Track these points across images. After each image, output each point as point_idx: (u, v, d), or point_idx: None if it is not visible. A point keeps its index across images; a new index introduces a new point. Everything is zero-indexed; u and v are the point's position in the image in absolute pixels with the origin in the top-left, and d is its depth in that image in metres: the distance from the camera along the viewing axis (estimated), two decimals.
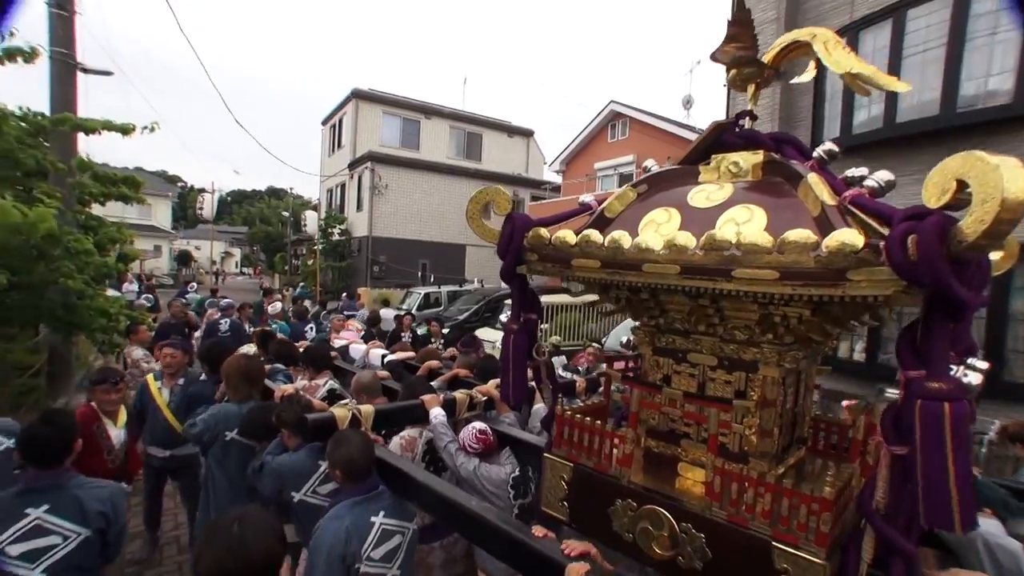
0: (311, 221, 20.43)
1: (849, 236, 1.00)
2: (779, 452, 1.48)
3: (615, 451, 1.56)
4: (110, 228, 7.26)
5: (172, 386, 3.90)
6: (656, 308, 1.62)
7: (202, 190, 22.81)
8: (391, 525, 2.04)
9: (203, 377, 3.76)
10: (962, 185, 0.88)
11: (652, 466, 1.65)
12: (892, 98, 6.54)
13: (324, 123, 25.62)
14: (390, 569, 1.97)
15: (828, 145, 1.39)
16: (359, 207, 21.71)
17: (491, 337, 10.34)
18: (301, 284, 21.56)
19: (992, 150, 0.85)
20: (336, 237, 22.24)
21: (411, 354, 4.43)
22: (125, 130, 5.81)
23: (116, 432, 3.40)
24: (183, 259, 36.64)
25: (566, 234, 1.51)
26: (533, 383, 1.93)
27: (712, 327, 1.51)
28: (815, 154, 1.39)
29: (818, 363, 1.68)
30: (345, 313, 10.34)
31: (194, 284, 17.63)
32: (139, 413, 3.91)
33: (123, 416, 3.51)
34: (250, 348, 5.11)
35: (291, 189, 32.26)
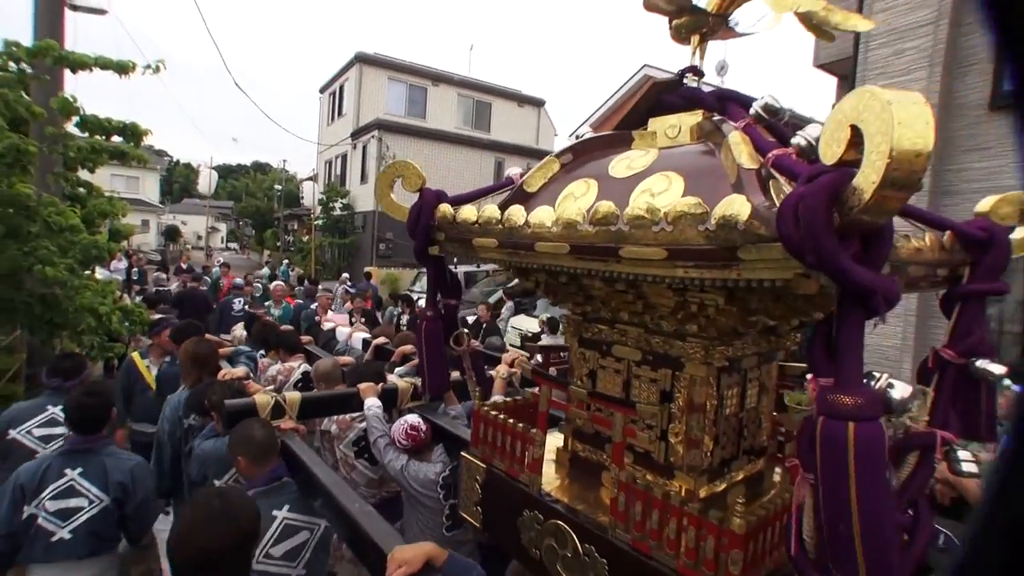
0: (308, 194, 20.46)
1: (734, 204, 0.88)
2: (717, 466, 1.38)
3: (526, 455, 1.48)
4: (101, 200, 6.21)
5: (160, 363, 4.15)
6: (580, 293, 1.52)
7: (188, 164, 23.03)
8: (296, 520, 2.00)
9: (169, 359, 4.00)
10: (858, 133, 0.76)
11: (579, 473, 1.57)
12: None
13: (323, 90, 25.53)
14: (293, 568, 1.94)
15: (767, 99, 1.26)
16: (363, 179, 21.69)
17: (524, 326, 9.87)
18: (285, 262, 21.61)
19: None
20: (337, 212, 22.34)
21: (385, 340, 4.41)
22: (123, 68, 5.10)
23: None
24: (171, 234, 37.42)
25: (468, 211, 1.42)
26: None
27: (637, 316, 1.41)
28: (752, 110, 1.26)
29: (779, 359, 1.56)
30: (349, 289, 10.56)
31: (220, 259, 17.80)
32: (124, 392, 4.13)
33: None
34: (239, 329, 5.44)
35: (284, 162, 32.36)
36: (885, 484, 0.82)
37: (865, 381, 0.85)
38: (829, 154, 0.80)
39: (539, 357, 3.82)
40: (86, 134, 5.61)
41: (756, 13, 1.51)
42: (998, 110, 6.23)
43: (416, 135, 21.26)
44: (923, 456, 1.20)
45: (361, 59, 21.76)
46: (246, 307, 7.43)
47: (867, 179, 0.72)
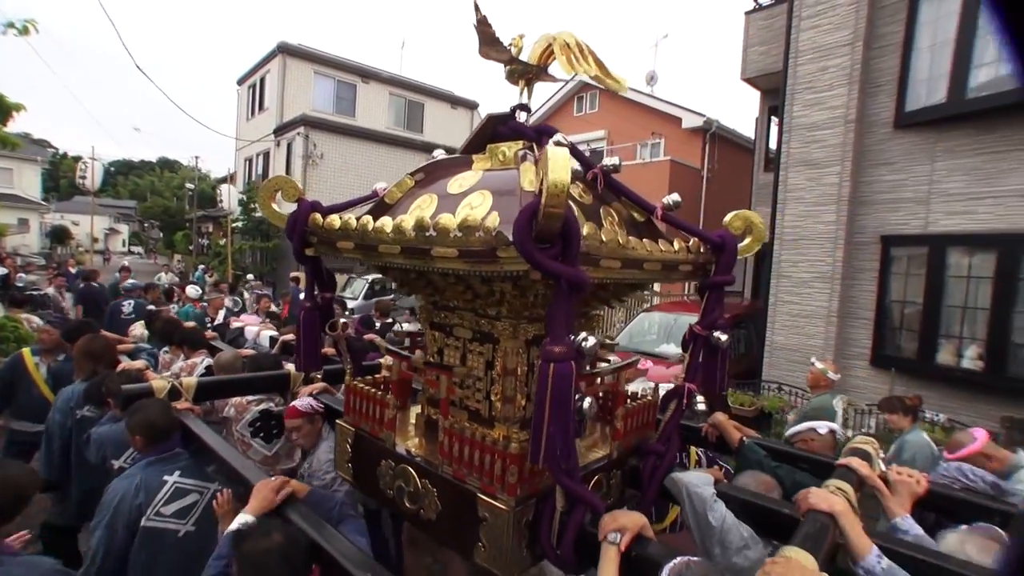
0: (228, 196, 19.92)
1: (492, 218, 1.34)
2: (529, 417, 1.84)
3: (383, 416, 1.90)
4: None
5: (50, 362, 4.27)
6: (428, 286, 1.95)
7: (78, 157, 21.63)
8: (186, 484, 2.33)
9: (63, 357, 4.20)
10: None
11: (430, 432, 2.01)
12: None
13: (241, 82, 24.87)
14: (183, 525, 2.28)
15: (558, 136, 1.74)
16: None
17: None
18: (201, 267, 21.16)
19: None
20: (260, 213, 21.86)
21: (293, 336, 4.74)
22: None
23: None
24: (58, 236, 35.16)
25: (333, 219, 1.82)
26: None
27: (469, 303, 1.86)
28: (549, 144, 1.73)
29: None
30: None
31: (125, 262, 17.13)
32: (6, 387, 4.15)
33: None
34: (139, 328, 5.65)
35: (196, 159, 30.80)
36: (568, 405, 1.29)
37: (572, 338, 1.33)
38: (534, 187, 1.27)
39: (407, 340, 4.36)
40: None
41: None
42: (902, 128, 7.04)
43: (345, 133, 21.14)
44: (678, 403, 1.73)
45: (284, 50, 21.37)
46: (148, 308, 7.55)
47: (542, 203, 1.20)
